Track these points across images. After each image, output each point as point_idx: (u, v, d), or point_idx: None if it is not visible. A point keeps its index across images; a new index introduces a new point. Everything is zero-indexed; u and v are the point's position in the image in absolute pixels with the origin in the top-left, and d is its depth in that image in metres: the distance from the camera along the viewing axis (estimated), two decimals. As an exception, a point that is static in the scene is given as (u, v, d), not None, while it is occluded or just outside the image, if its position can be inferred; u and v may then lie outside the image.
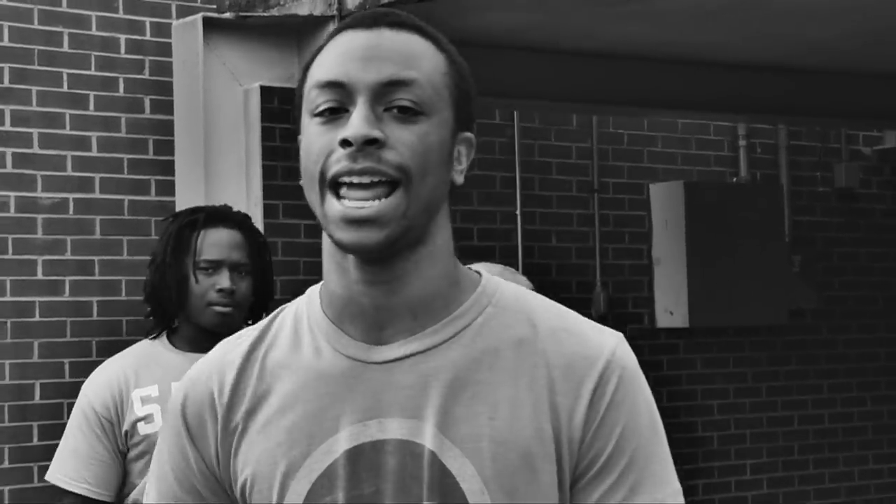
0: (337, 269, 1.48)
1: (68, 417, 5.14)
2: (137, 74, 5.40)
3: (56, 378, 5.23)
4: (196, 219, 3.09)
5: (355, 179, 1.41)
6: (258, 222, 4.96)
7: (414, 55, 1.45)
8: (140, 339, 3.19)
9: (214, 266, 3.03)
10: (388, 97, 1.43)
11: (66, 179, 5.26)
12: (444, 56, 1.49)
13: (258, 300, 3.10)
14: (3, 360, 5.14)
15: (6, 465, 5.15)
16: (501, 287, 1.52)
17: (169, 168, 5.25)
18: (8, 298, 5.15)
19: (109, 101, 5.34)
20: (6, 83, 5.17)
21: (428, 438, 1.45)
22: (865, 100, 6.50)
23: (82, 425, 3.09)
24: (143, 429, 3.05)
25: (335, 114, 1.44)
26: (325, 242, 1.49)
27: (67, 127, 5.27)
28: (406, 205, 1.42)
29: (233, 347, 1.55)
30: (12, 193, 5.17)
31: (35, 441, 5.19)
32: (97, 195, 5.31)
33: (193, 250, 3.03)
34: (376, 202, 1.41)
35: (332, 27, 4.94)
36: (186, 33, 5.09)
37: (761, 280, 6.83)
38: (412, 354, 1.47)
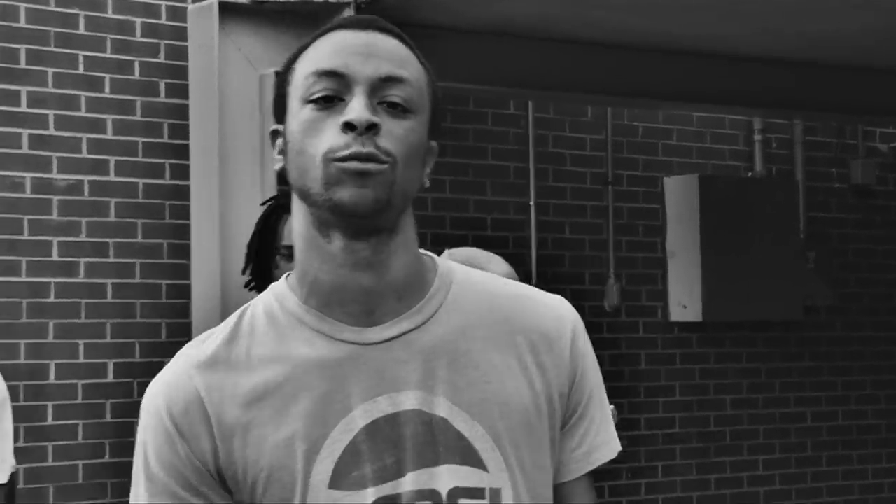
0: (320, 256, 1.56)
1: (82, 399, 5.22)
2: (153, 58, 5.40)
3: (70, 359, 5.24)
4: (280, 205, 3.08)
5: (360, 160, 1.51)
6: (268, 204, 4.97)
7: (404, 59, 1.56)
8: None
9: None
10: (383, 92, 1.53)
11: (82, 161, 5.26)
12: (423, 67, 1.59)
13: None
14: (19, 340, 5.15)
15: (21, 443, 5.15)
16: (451, 266, 1.65)
17: (184, 152, 5.25)
18: (23, 279, 5.16)
19: (125, 84, 5.34)
20: (22, 65, 5.17)
21: (437, 406, 1.55)
22: (883, 96, 6.47)
23: None
24: None
25: (329, 102, 1.52)
26: (303, 233, 1.58)
27: (83, 109, 5.27)
28: (393, 180, 1.51)
29: (207, 348, 1.58)
30: (28, 174, 5.17)
31: (49, 421, 5.19)
32: (112, 178, 5.31)
33: (278, 235, 3.03)
34: (371, 164, 1.51)
35: (348, 13, 4.93)
36: (202, 17, 5.08)
37: (776, 275, 6.80)
38: (404, 333, 1.57)
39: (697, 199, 6.59)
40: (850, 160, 7.38)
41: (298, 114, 1.54)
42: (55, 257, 5.21)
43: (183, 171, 5.28)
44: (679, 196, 6.65)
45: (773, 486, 7.04)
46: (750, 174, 7.05)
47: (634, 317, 6.52)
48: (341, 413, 1.54)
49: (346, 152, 1.50)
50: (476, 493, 1.55)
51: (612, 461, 1.68)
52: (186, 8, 5.32)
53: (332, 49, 1.55)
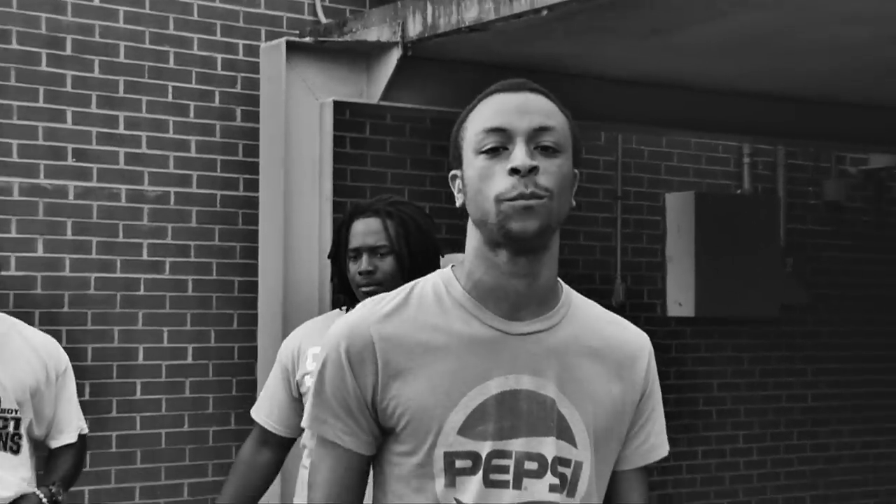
0: (485, 264, 1.69)
1: (165, 377, 5.20)
2: (231, 88, 5.36)
3: (156, 343, 5.22)
4: (345, 214, 3.07)
5: (526, 199, 1.63)
6: (327, 217, 4.92)
7: (550, 111, 1.69)
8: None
9: (356, 253, 2.96)
10: (538, 139, 1.66)
11: (169, 176, 5.24)
12: (564, 115, 1.72)
13: (414, 276, 2.99)
14: (113, 326, 5.13)
15: (114, 414, 5.14)
16: (569, 289, 1.79)
17: (255, 168, 5.23)
18: (118, 275, 5.14)
19: (206, 110, 5.31)
20: (121, 93, 5.15)
21: (550, 391, 1.69)
22: (853, 126, 6.43)
23: (275, 372, 3.09)
24: (308, 381, 3.00)
25: (496, 152, 1.65)
26: (475, 246, 1.70)
27: (171, 131, 5.24)
28: (551, 208, 1.64)
29: (382, 306, 1.71)
30: (123, 186, 5.14)
31: (138, 395, 5.19)
32: (194, 189, 5.28)
33: (345, 242, 3.00)
34: (533, 201, 1.64)
35: (396, 52, 4.88)
36: (272, 54, 5.05)
37: (759, 278, 6.76)
38: (538, 331, 1.70)
39: (693, 212, 6.55)
40: (824, 180, 7.32)
41: (473, 162, 1.68)
42: (145, 257, 5.19)
43: (254, 185, 5.25)
44: (678, 210, 6.60)
45: (752, 457, 7.01)
46: (739, 191, 6.99)
47: (637, 312, 6.47)
48: (479, 380, 1.67)
49: (513, 193, 1.63)
50: (566, 463, 1.70)
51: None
52: (259, 46, 5.28)
53: (494, 110, 1.68)
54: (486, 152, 1.66)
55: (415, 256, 2.96)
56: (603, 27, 4.65)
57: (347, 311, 3.06)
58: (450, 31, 4.64)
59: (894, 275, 7.54)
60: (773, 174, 7.13)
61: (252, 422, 3.11)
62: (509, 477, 1.66)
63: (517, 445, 1.67)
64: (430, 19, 4.72)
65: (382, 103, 5.06)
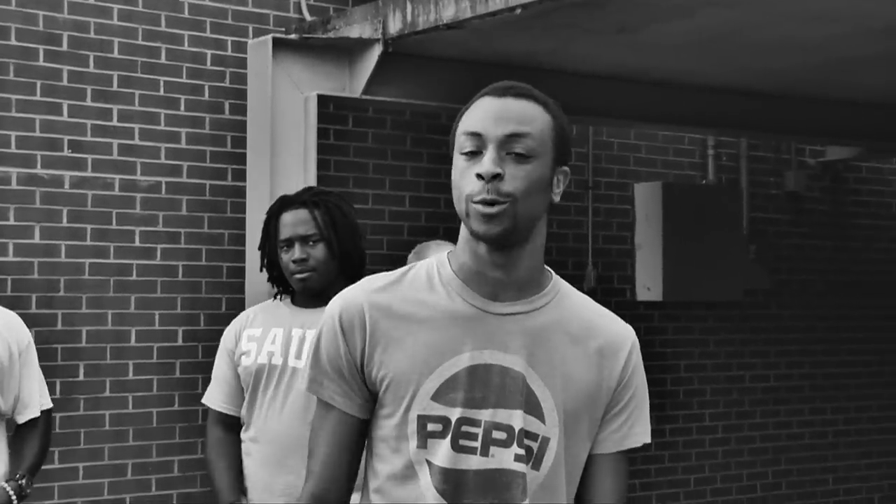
0: (470, 251, 1.76)
1: (157, 358, 5.24)
2: (219, 83, 5.40)
3: (148, 326, 5.25)
4: (273, 207, 3.10)
5: (486, 205, 1.70)
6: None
7: (528, 118, 1.72)
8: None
9: (288, 243, 3.01)
10: (508, 146, 1.71)
11: (161, 166, 5.27)
12: (549, 116, 1.74)
13: (344, 260, 3.04)
14: (107, 310, 5.16)
15: (107, 394, 5.18)
16: (560, 280, 1.83)
17: (242, 159, 5.26)
18: (111, 261, 5.18)
19: (196, 103, 5.34)
20: (115, 87, 5.18)
21: (520, 367, 1.74)
22: (812, 120, 6.46)
23: (221, 357, 3.12)
24: (244, 361, 3.05)
25: (474, 154, 1.72)
26: (464, 235, 1.77)
27: (162, 124, 5.27)
28: (512, 213, 1.69)
29: (377, 281, 1.79)
30: (117, 176, 5.18)
31: (130, 376, 5.22)
32: (185, 179, 5.32)
33: (275, 233, 3.04)
34: (495, 207, 1.70)
35: (377, 48, 4.93)
36: (259, 50, 5.09)
37: (723, 264, 6.79)
38: (516, 313, 1.76)
39: (661, 201, 6.57)
40: (785, 171, 7.36)
41: (456, 161, 1.75)
42: (137, 243, 5.22)
43: (242, 175, 5.28)
44: (646, 199, 6.63)
45: (717, 435, 7.05)
46: (704, 182, 7.04)
47: (608, 297, 6.53)
48: (455, 352, 1.74)
49: (477, 197, 1.70)
50: (533, 436, 1.75)
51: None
52: (247, 42, 5.32)
53: (476, 114, 1.74)
54: (465, 154, 1.73)
55: (343, 241, 3.02)
56: (574, 25, 4.70)
57: (280, 298, 3.11)
58: (428, 29, 4.69)
59: (851, 261, 7.61)
60: (736, 165, 7.18)
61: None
62: (477, 444, 1.72)
63: (486, 415, 1.73)
64: (409, 17, 4.78)
65: (364, 97, 5.09)
